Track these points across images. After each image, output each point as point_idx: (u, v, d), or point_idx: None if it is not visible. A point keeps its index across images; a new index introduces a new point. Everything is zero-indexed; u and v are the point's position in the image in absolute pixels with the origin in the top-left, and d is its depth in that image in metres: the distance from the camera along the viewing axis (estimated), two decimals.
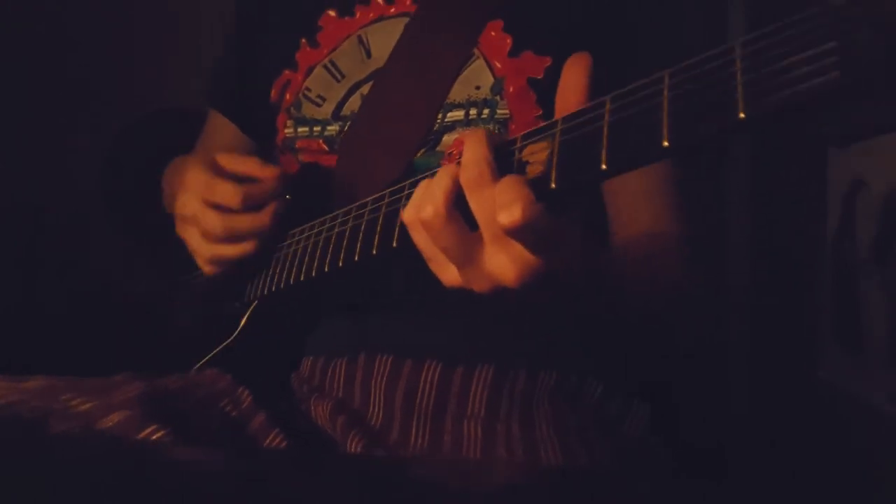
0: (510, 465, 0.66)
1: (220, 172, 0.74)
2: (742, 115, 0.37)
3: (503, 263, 0.48)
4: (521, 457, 0.66)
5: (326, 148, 0.83)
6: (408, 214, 0.52)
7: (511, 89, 0.76)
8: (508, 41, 0.77)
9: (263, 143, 0.98)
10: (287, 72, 0.87)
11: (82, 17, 1.65)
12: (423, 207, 0.50)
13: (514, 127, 0.76)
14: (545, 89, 0.75)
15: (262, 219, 0.73)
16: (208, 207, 0.73)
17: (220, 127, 0.99)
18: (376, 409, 0.76)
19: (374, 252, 0.58)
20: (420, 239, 0.52)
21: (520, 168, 0.48)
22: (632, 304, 0.67)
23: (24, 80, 1.63)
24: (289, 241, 0.74)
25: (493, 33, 0.78)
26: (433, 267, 0.53)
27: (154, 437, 0.60)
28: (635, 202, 0.78)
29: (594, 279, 0.56)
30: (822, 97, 0.35)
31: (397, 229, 0.56)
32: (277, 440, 0.70)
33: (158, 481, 0.49)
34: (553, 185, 0.46)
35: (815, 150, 1.23)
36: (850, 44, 0.34)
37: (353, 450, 0.71)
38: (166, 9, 1.68)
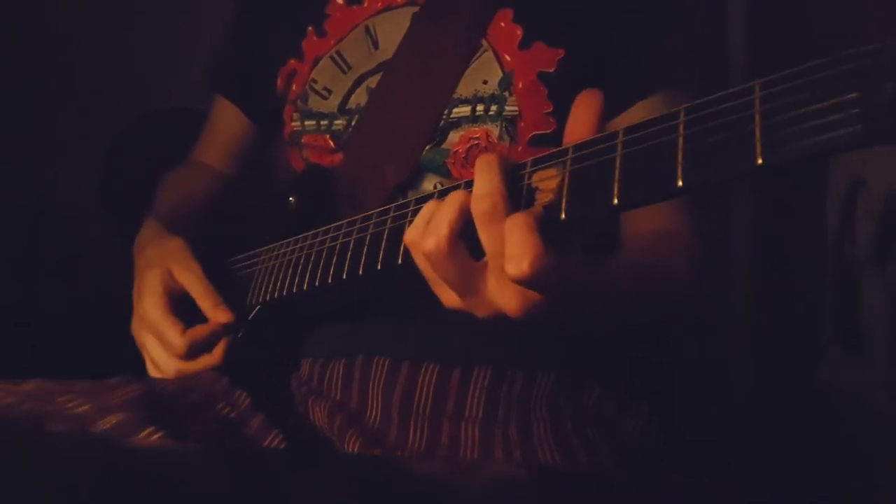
0: (509, 465, 0.65)
1: (172, 290, 0.74)
2: (760, 162, 0.36)
3: (507, 296, 0.47)
4: (520, 460, 0.66)
5: (333, 145, 0.81)
6: (410, 237, 0.51)
7: (520, 84, 0.74)
8: (518, 32, 0.74)
9: (270, 133, 0.96)
10: (293, 61, 0.86)
11: (82, 17, 1.65)
12: (426, 238, 0.48)
13: (522, 124, 0.74)
14: (557, 83, 0.73)
15: (214, 358, 0.74)
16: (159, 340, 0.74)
17: (226, 114, 0.98)
18: (374, 411, 0.76)
19: (379, 267, 0.57)
20: (421, 263, 0.51)
21: (529, 196, 0.47)
22: (640, 303, 0.64)
23: (24, 80, 1.62)
24: (294, 247, 0.73)
25: (502, 24, 0.75)
26: (434, 289, 0.52)
27: (151, 440, 0.59)
28: None
29: (599, 297, 0.53)
30: (840, 149, 0.34)
31: (402, 247, 0.55)
32: (277, 441, 0.69)
33: (156, 482, 0.49)
34: (563, 217, 0.44)
35: None
36: (874, 96, 0.33)
37: (350, 449, 0.71)
38: (167, 8, 1.68)
